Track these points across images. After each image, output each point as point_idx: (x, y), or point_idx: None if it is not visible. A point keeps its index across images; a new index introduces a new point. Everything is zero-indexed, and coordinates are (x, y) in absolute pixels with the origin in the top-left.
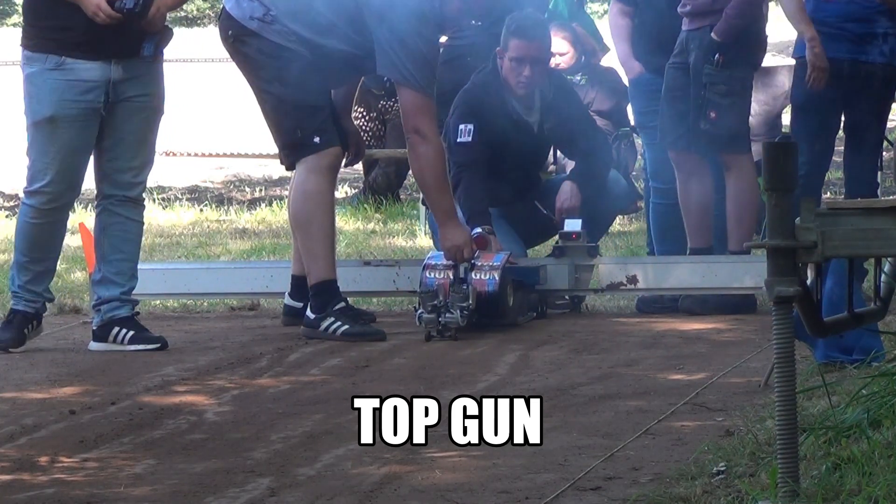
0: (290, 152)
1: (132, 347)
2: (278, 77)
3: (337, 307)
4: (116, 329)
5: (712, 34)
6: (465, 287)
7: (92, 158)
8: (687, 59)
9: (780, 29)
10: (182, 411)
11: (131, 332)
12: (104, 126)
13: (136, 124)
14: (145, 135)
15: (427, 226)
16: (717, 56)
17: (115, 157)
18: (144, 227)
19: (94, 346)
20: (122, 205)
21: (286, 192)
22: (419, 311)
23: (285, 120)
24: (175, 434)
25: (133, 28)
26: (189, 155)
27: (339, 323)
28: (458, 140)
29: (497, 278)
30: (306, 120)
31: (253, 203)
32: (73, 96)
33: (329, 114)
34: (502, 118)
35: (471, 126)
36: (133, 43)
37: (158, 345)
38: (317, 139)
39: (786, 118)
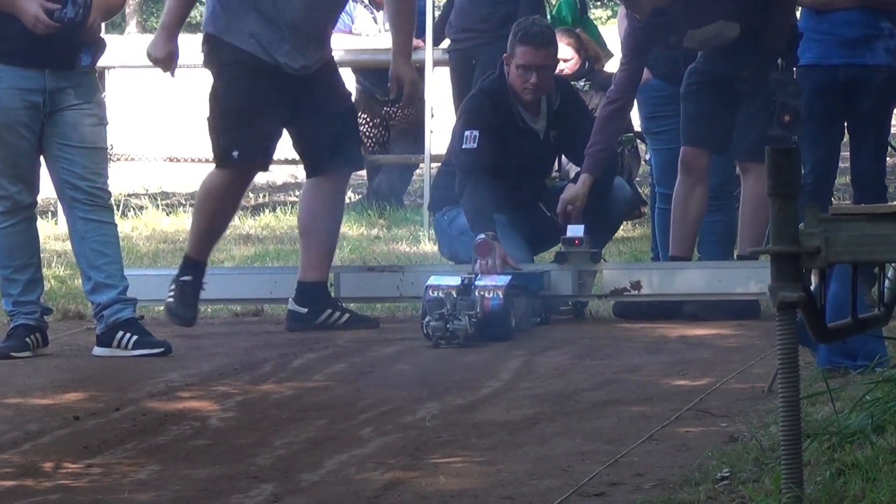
0: (215, 157)
1: (136, 352)
2: (224, 86)
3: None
4: (121, 333)
5: (770, 46)
6: (471, 295)
7: (47, 172)
8: (724, 71)
9: None
10: (186, 417)
11: (135, 337)
12: (53, 137)
13: (85, 131)
14: (96, 140)
15: (432, 230)
16: (780, 60)
17: (71, 164)
18: (148, 234)
19: (97, 351)
20: (93, 210)
21: (290, 198)
22: (426, 319)
23: (214, 122)
24: (179, 440)
25: (71, 38)
26: (192, 161)
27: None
28: (464, 146)
29: (501, 297)
30: (232, 131)
31: (257, 209)
32: (13, 103)
33: (263, 134)
34: (508, 125)
35: (476, 132)
36: (69, 53)
37: (162, 349)
38: (235, 153)
39: None
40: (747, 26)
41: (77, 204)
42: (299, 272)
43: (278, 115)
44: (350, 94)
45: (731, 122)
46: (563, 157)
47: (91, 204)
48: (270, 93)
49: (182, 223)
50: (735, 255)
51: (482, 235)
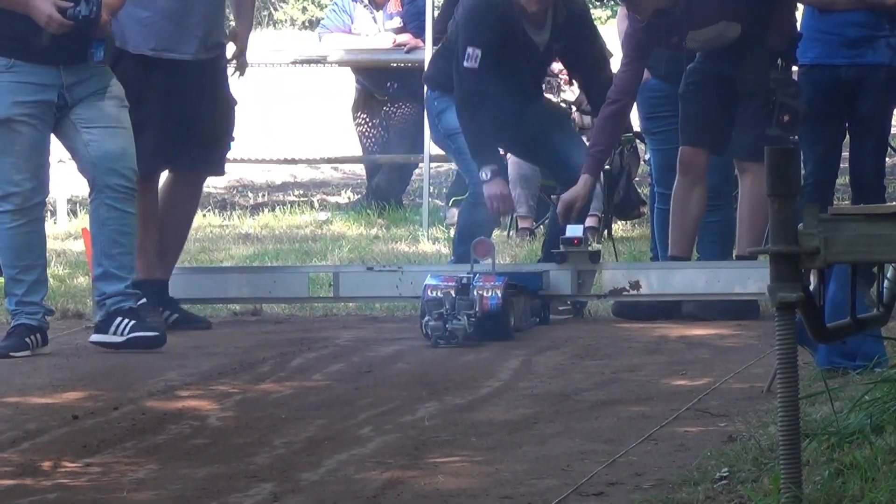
0: None
1: (132, 335)
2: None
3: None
4: (119, 319)
5: (771, 46)
6: (470, 295)
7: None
8: (724, 71)
9: None
10: (185, 416)
11: (132, 322)
12: (79, 123)
13: (109, 111)
14: (121, 121)
15: (432, 228)
16: (779, 60)
17: (101, 145)
18: None
19: (94, 337)
20: (119, 198)
21: (289, 198)
22: (425, 319)
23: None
24: (178, 439)
25: (84, 34)
26: None
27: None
28: (465, 64)
29: (500, 296)
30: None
31: (256, 208)
32: (25, 97)
33: (152, 135)
34: (511, 40)
35: (479, 52)
36: (81, 49)
37: (157, 333)
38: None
39: None
40: (748, 26)
41: (106, 189)
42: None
43: (168, 111)
44: (235, 102)
45: (730, 122)
46: (577, 110)
47: (121, 188)
48: (158, 90)
49: None
50: (734, 256)
51: (481, 237)
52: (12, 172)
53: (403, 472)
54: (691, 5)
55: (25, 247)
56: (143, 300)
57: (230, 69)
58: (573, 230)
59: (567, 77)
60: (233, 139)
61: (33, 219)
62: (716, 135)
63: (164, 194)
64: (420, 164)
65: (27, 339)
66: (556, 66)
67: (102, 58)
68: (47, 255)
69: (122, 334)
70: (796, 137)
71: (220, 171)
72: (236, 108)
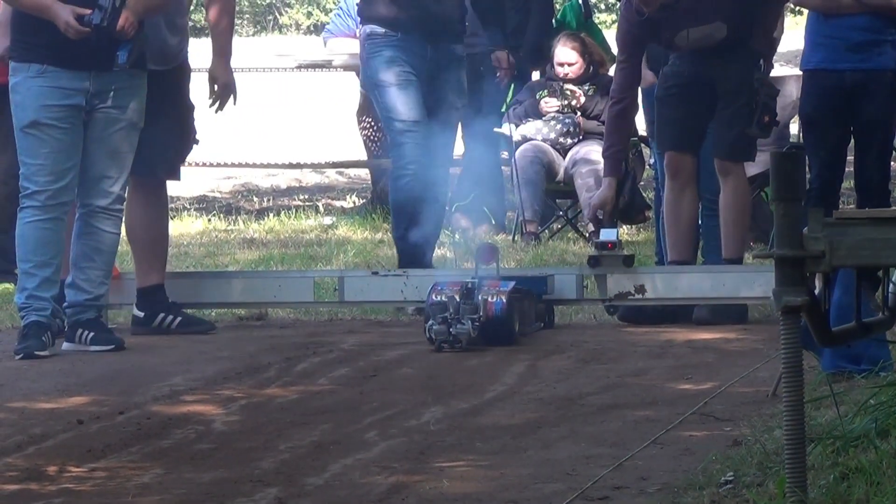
0: None
1: (93, 348)
2: None
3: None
4: (80, 330)
5: (755, 47)
6: (475, 299)
7: None
8: (705, 72)
9: (790, 39)
10: (190, 421)
11: (92, 333)
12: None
13: (111, 135)
14: (120, 146)
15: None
16: (761, 61)
17: (89, 166)
18: None
19: (65, 346)
20: (97, 217)
21: (294, 202)
22: (429, 323)
23: None
24: (183, 444)
25: (104, 41)
26: (197, 165)
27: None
28: None
29: (504, 301)
30: None
31: (261, 213)
32: (55, 101)
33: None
34: None
35: None
36: (107, 54)
37: (114, 345)
38: None
39: (793, 128)
40: (735, 28)
41: (88, 207)
42: (136, 279)
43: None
44: (193, 107)
45: (709, 124)
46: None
47: (98, 209)
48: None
49: (186, 227)
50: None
51: (485, 242)
52: (39, 174)
53: (408, 476)
54: (693, 2)
55: (43, 242)
56: (100, 315)
57: (210, 100)
58: (607, 234)
59: (572, 83)
60: (196, 142)
61: (55, 217)
62: (697, 138)
63: (134, 207)
64: None
65: (44, 339)
66: (561, 72)
67: (125, 60)
68: None
69: (85, 344)
70: (799, 141)
71: (176, 176)
72: (194, 112)
